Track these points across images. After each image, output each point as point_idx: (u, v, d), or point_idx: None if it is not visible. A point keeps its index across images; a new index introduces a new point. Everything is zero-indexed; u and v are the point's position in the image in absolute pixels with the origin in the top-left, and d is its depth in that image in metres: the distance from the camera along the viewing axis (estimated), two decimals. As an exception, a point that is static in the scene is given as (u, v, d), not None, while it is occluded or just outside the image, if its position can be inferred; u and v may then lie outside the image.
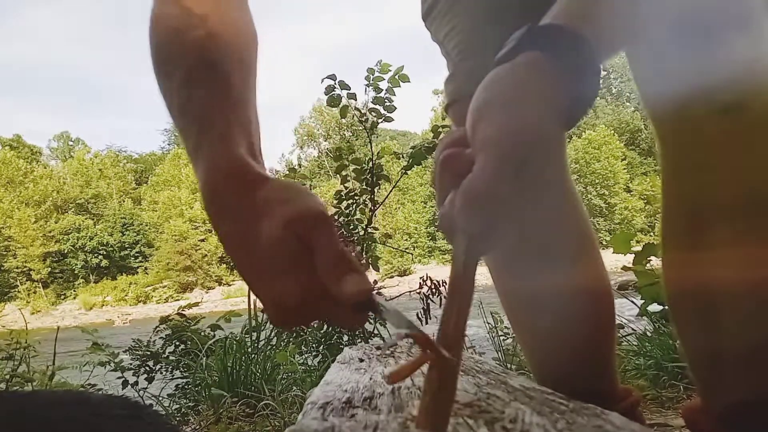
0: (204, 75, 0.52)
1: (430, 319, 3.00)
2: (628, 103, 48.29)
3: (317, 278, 0.42)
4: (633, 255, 1.88)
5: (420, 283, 3.07)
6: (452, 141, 0.44)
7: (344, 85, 2.84)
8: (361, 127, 3.04)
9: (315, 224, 0.43)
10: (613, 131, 41.24)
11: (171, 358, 2.58)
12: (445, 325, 0.39)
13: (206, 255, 40.20)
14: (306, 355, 2.58)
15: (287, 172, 3.87)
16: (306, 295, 0.42)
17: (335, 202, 3.04)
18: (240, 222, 0.45)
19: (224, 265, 41.00)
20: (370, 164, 2.94)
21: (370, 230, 3.00)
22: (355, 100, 2.95)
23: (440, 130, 2.94)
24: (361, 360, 0.76)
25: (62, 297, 41.63)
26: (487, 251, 0.41)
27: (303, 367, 2.28)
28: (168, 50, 0.55)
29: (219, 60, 0.53)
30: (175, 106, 0.53)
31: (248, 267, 0.45)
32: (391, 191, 3.20)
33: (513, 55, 0.44)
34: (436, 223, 0.43)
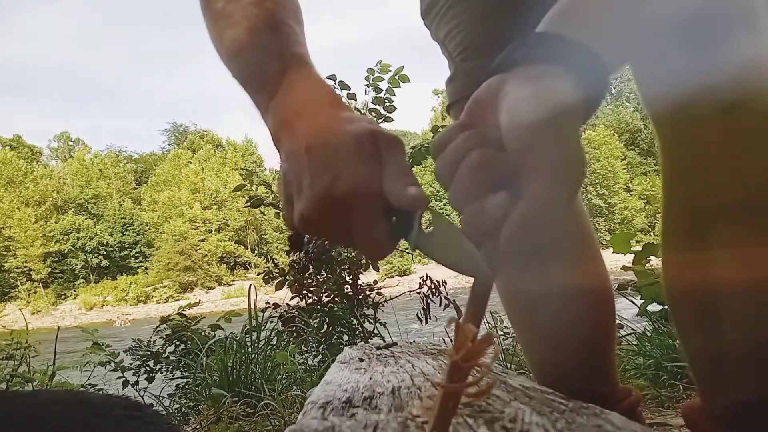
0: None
1: (430, 318, 3.00)
2: (627, 103, 48.26)
3: (379, 182, 0.45)
4: (633, 255, 1.88)
5: (420, 283, 3.07)
6: (483, 140, 0.43)
7: (344, 85, 2.84)
8: (361, 127, 3.04)
9: (393, 143, 0.47)
10: (612, 131, 41.29)
11: (171, 358, 2.59)
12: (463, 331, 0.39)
13: (206, 255, 40.18)
14: (306, 355, 2.58)
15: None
16: (361, 188, 0.44)
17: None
18: (327, 117, 0.50)
19: (224, 265, 41.01)
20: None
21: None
22: (355, 100, 2.95)
23: (440, 130, 2.94)
24: (361, 360, 0.76)
25: (62, 297, 41.66)
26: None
27: (303, 367, 2.28)
28: None
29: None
30: (245, 37, 0.58)
31: (317, 150, 0.47)
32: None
33: (523, 63, 0.44)
34: (464, 232, 0.42)
